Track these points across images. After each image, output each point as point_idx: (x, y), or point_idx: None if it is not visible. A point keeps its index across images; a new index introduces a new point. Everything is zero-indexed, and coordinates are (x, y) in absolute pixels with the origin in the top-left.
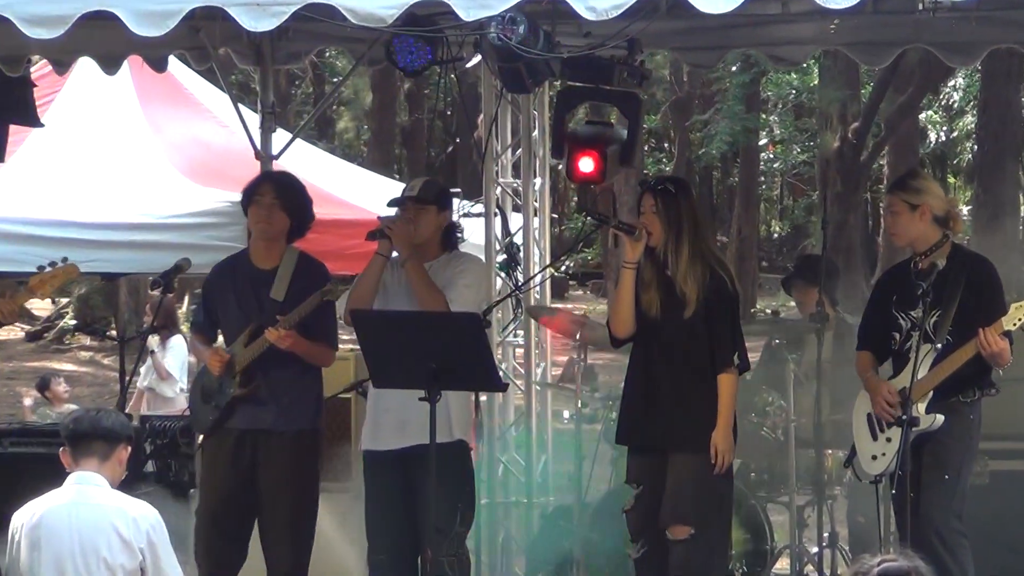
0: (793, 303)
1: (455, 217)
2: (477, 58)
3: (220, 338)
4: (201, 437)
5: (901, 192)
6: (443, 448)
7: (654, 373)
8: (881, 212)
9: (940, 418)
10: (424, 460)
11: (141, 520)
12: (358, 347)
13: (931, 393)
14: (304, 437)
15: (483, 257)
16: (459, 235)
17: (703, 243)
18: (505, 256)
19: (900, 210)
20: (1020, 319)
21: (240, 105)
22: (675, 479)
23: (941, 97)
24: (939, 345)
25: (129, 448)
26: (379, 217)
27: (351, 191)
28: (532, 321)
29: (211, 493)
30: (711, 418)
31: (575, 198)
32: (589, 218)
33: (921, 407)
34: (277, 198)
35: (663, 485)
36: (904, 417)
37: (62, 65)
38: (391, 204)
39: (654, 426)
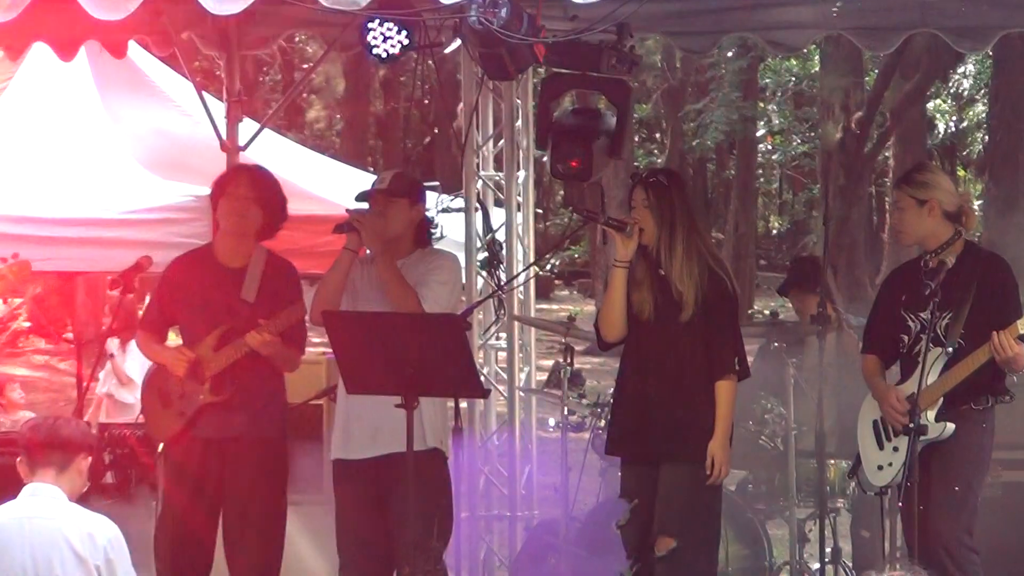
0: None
1: (433, 212)
2: (457, 43)
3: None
4: (162, 446)
5: (907, 186)
6: (418, 457)
7: (647, 380)
8: (887, 207)
9: (951, 427)
10: (398, 470)
11: (98, 535)
12: (330, 351)
13: (941, 400)
14: (272, 444)
15: (463, 255)
16: (433, 231)
17: (699, 239)
18: (486, 254)
19: (906, 206)
20: None
21: (205, 93)
22: (665, 490)
23: (950, 85)
24: (950, 349)
25: (89, 458)
26: (347, 210)
27: (322, 185)
28: (515, 323)
29: (176, 505)
30: (707, 428)
31: (561, 192)
32: (576, 214)
33: (930, 415)
34: (253, 191)
35: (650, 496)
36: (911, 425)
37: (15, 51)
38: (359, 197)
39: (648, 437)
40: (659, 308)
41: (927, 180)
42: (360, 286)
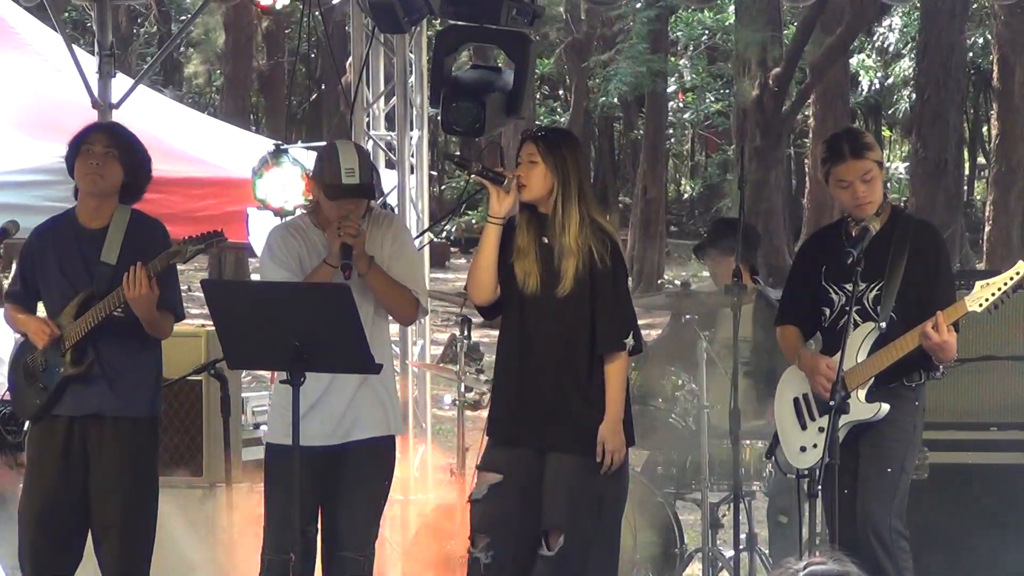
0: (706, 272)
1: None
2: None
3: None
4: (28, 424)
5: (870, 152)
6: (379, 443)
7: (531, 359)
8: (806, 170)
9: (885, 407)
10: (353, 458)
11: None
12: (210, 322)
13: (872, 379)
14: (141, 425)
15: None
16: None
17: (591, 206)
18: None
19: (876, 173)
20: (987, 299)
21: (75, 47)
22: (550, 482)
23: (875, 38)
24: (883, 324)
25: None
26: (341, 245)
27: (201, 145)
28: None
29: (36, 491)
30: (597, 414)
31: (458, 153)
32: (448, 161)
33: (861, 394)
34: (111, 147)
35: (533, 485)
36: (832, 404)
37: None
38: (332, 197)
39: (532, 422)
40: (543, 280)
41: (871, 141)
42: (306, 258)
